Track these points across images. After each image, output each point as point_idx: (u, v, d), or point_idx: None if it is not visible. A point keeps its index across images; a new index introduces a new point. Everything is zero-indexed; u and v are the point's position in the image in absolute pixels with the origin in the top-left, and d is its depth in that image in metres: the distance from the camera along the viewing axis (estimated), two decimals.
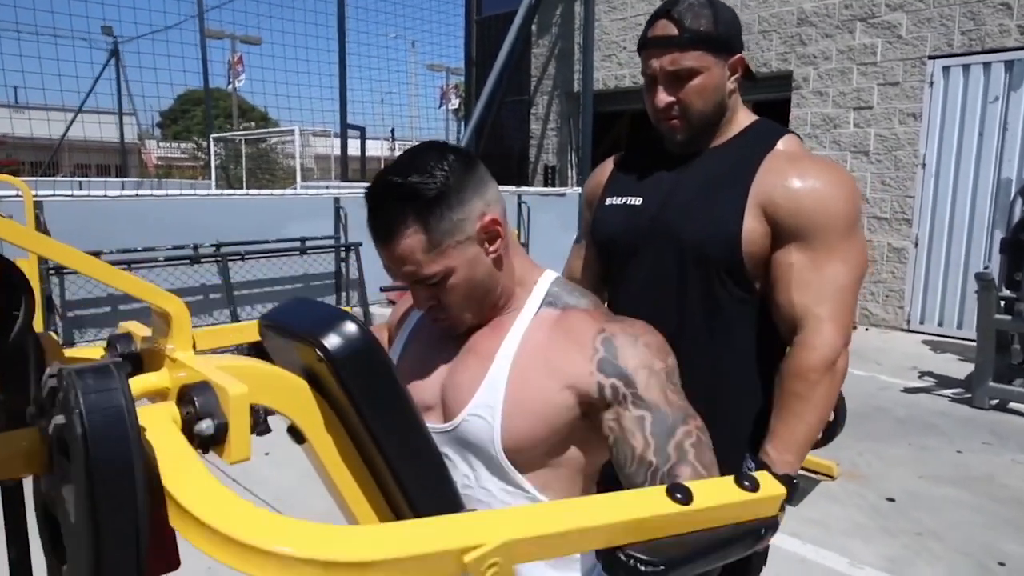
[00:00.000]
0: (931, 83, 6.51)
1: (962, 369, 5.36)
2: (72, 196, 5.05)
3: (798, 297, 1.24)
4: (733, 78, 1.34)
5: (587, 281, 1.55)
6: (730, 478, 0.75)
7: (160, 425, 0.68)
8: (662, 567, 0.67)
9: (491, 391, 0.96)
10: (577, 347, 0.95)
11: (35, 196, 4.67)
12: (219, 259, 5.67)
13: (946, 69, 6.45)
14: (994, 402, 4.54)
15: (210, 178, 15.79)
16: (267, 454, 3.13)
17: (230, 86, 23.59)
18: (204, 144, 18.06)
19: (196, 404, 0.70)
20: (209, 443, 0.70)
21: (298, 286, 6.34)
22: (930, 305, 6.71)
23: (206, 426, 0.69)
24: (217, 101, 27.63)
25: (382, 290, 6.11)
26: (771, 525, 0.77)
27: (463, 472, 1.02)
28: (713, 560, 0.73)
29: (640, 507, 0.68)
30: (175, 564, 0.74)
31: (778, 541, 1.70)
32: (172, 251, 5.37)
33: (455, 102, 23.32)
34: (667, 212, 1.34)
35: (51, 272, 4.85)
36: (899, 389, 4.97)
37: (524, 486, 0.99)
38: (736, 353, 1.34)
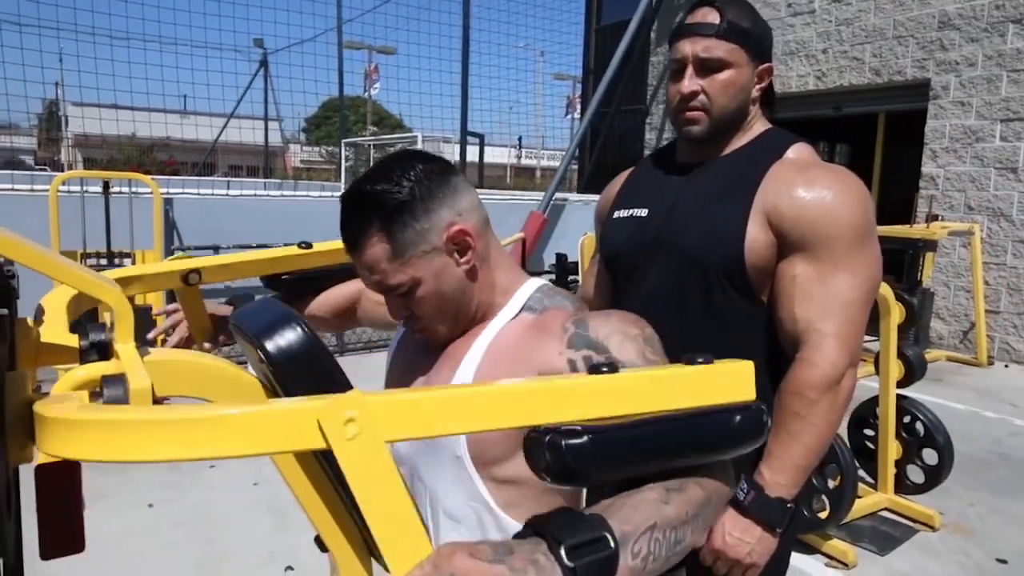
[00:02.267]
0: None
1: None
2: (198, 194, 5.48)
3: (801, 311, 1.18)
4: (759, 86, 1.31)
5: (600, 297, 1.52)
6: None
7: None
8: (582, 432, 0.57)
9: None
10: (547, 335, 0.92)
11: (165, 193, 5.12)
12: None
13: None
14: None
15: (341, 181, 16.69)
16: None
17: (366, 94, 24.87)
18: (338, 149, 19.15)
19: (104, 395, 0.73)
20: None
21: None
22: None
23: None
24: (356, 108, 29.24)
25: None
26: (748, 409, 0.69)
27: (431, 486, 1.01)
28: (665, 446, 0.64)
29: (556, 385, 0.60)
30: (80, 547, 0.76)
31: None
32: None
33: (579, 111, 23.32)
34: (671, 223, 1.31)
35: None
36: None
37: (489, 502, 0.96)
38: None
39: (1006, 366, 6.22)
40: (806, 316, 1.17)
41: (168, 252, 5.17)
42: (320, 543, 0.94)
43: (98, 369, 0.86)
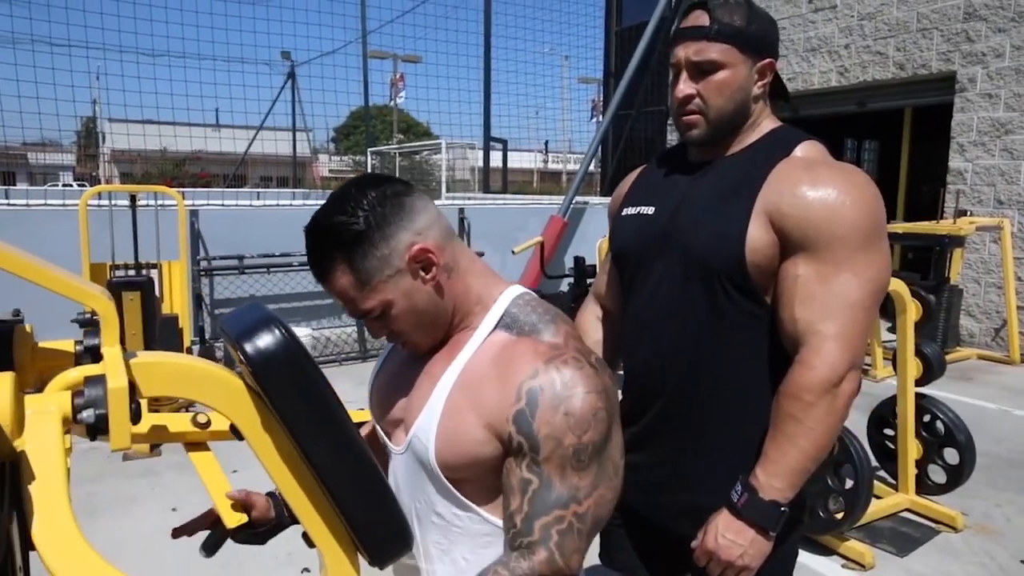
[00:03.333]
0: None
1: None
2: (222, 206, 5.61)
3: (801, 312, 1.15)
4: (760, 83, 1.28)
5: (611, 295, 1.51)
6: None
7: (39, 426, 0.75)
8: None
9: (429, 416, 0.98)
10: (505, 388, 0.93)
11: (190, 205, 5.25)
12: None
13: None
14: None
15: None
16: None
17: (392, 102, 25.12)
18: (364, 158, 19.37)
19: (85, 395, 0.77)
20: (94, 430, 0.77)
21: None
22: None
23: (87, 415, 0.76)
24: (384, 116, 29.52)
25: None
26: None
27: (419, 494, 1.04)
28: None
29: None
30: None
31: None
32: (305, 257, 5.80)
33: None
34: (676, 221, 1.29)
35: (202, 273, 5.42)
36: None
37: (475, 508, 0.99)
38: (744, 369, 1.25)
39: None
40: (807, 317, 1.15)
41: (194, 263, 5.30)
42: (307, 539, 0.97)
43: (84, 371, 0.91)
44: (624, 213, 1.42)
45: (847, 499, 2.72)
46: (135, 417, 0.80)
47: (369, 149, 16.65)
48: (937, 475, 3.18)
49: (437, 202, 9.36)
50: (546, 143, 30.79)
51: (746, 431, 1.24)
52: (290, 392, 0.88)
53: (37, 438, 0.74)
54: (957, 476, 3.10)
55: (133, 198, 4.74)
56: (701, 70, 1.25)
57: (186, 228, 5.02)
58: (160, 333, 4.12)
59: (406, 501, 1.05)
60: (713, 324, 1.25)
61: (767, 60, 1.27)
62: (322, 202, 1.08)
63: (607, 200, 8.32)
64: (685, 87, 1.26)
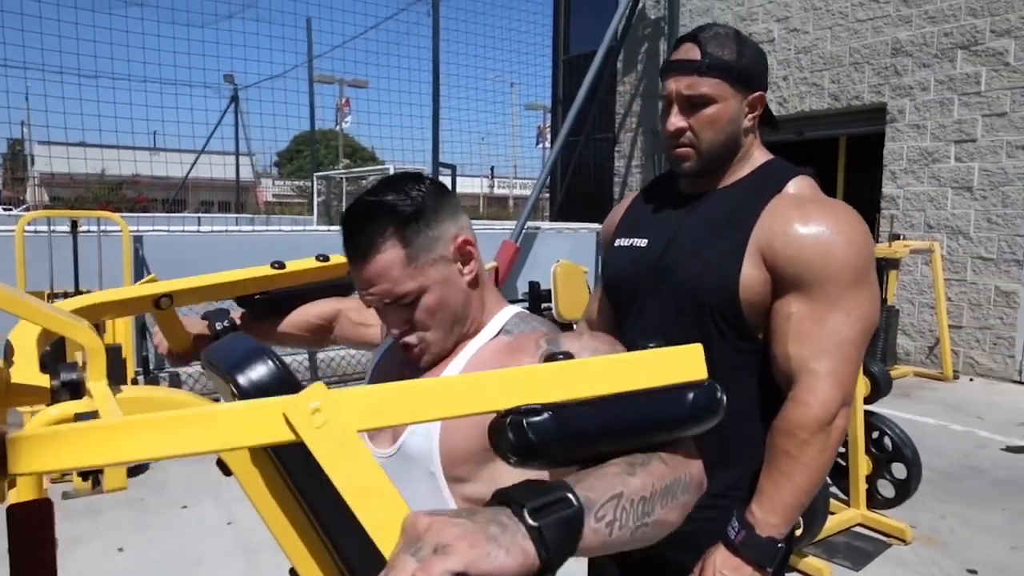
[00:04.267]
0: None
1: None
2: (168, 231, 5.45)
3: (795, 350, 1.16)
4: (750, 116, 1.29)
5: (602, 325, 1.52)
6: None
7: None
8: (542, 410, 0.58)
9: None
10: (521, 353, 0.94)
11: (134, 231, 5.08)
12: None
13: None
14: None
15: (313, 215, 16.65)
16: None
17: (338, 127, 24.95)
18: (309, 183, 19.15)
19: None
20: (87, 472, 0.73)
21: None
22: None
23: None
24: (329, 141, 29.28)
25: None
26: (701, 387, 0.72)
27: (410, 499, 1.02)
28: (623, 421, 0.65)
29: (514, 372, 0.61)
30: None
31: None
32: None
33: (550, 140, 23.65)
34: (669, 255, 1.30)
35: None
36: (1000, 447, 4.51)
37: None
38: (737, 406, 1.23)
39: (971, 380, 6.37)
40: (800, 355, 1.16)
41: None
42: (221, 465, 0.93)
43: (71, 408, 0.87)
44: (617, 244, 1.43)
45: (805, 516, 2.79)
46: None
47: (316, 174, 16.46)
48: (886, 489, 3.30)
49: None
50: (492, 169, 31.05)
51: (735, 462, 1.26)
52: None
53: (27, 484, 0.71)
54: (905, 490, 3.22)
55: (74, 223, 4.57)
56: (692, 103, 1.26)
57: (130, 255, 4.85)
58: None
59: None
60: (706, 356, 1.24)
61: (757, 93, 1.29)
62: (268, 228, 1.08)
63: (558, 225, 8.42)
64: (676, 120, 1.27)
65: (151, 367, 4.93)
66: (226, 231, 5.93)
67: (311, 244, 6.30)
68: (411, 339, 1.01)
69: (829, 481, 3.31)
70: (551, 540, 0.50)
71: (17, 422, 0.78)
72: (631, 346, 1.38)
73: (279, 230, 6.35)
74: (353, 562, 0.90)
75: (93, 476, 0.76)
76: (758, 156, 1.33)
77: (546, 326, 1.04)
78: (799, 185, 1.26)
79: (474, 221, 12.46)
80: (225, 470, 0.94)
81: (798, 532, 2.80)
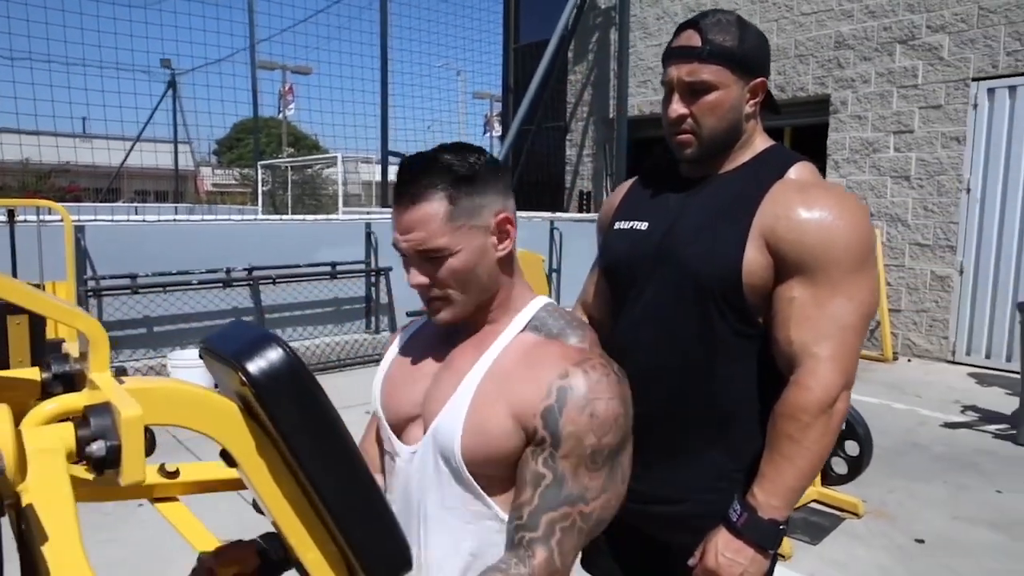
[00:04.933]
0: (975, 106, 6.30)
1: (1009, 404, 5.09)
2: (112, 221, 5.24)
3: (796, 334, 1.17)
4: (752, 102, 1.29)
5: (598, 308, 1.51)
6: None
7: (45, 467, 0.68)
8: None
9: (457, 408, 0.99)
10: (536, 384, 0.96)
11: (76, 221, 4.87)
12: (251, 283, 5.80)
13: (991, 91, 6.24)
14: None
15: (257, 204, 16.24)
16: None
17: (281, 115, 24.34)
18: (253, 171, 18.65)
19: (92, 425, 0.71)
20: (102, 464, 0.70)
21: (328, 310, 6.43)
22: (977, 336, 6.42)
23: (97, 448, 0.70)
24: (270, 129, 28.51)
25: (408, 315, 6.14)
26: None
27: (430, 490, 1.04)
28: None
29: None
30: None
31: None
32: (205, 275, 5.51)
33: (498, 129, 23.60)
34: (670, 239, 1.29)
35: (90, 294, 5.03)
36: (939, 424, 4.74)
37: (491, 504, 1.01)
38: (736, 389, 1.27)
39: (909, 360, 6.67)
40: (802, 339, 1.16)
41: (81, 283, 4.91)
42: (226, 457, 0.92)
43: (71, 401, 0.84)
44: (616, 227, 1.41)
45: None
46: (150, 447, 0.75)
47: (260, 162, 16.04)
48: (839, 467, 3.43)
49: (335, 217, 9.14)
50: None
51: (733, 445, 1.27)
52: (295, 410, 0.85)
53: (45, 484, 0.68)
54: (857, 467, 3.35)
55: (11, 213, 4.35)
56: (693, 90, 1.25)
57: (72, 245, 4.64)
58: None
59: (415, 498, 1.04)
60: (704, 341, 1.26)
61: (759, 79, 1.28)
62: (218, 217, 1.06)
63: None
64: (678, 107, 1.27)
65: None
66: (174, 221, 5.73)
67: (260, 234, 6.15)
68: (434, 292, 1.02)
69: (867, 423, 3.41)
70: None
71: None
72: (627, 330, 1.39)
73: (229, 219, 6.17)
74: (362, 549, 0.89)
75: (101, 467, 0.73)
76: (759, 142, 1.33)
77: (572, 328, 1.04)
78: (800, 171, 1.27)
79: None
80: (230, 462, 0.92)
81: None
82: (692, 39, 1.25)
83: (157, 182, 26.18)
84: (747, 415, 1.27)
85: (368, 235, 6.63)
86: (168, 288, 5.31)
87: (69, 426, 0.73)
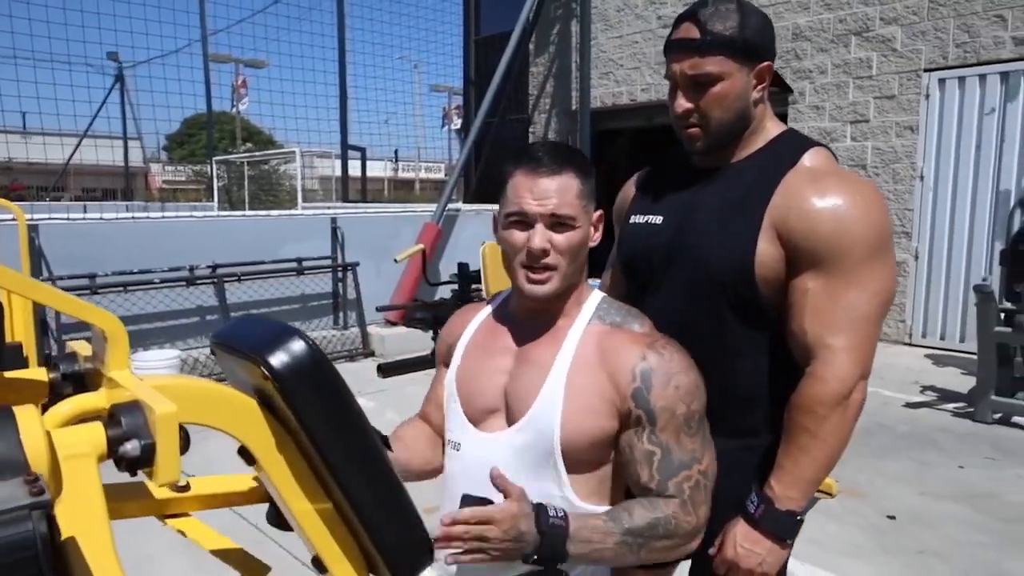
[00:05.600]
0: (927, 96, 6.51)
1: (965, 383, 5.29)
2: (68, 219, 5.06)
3: (811, 326, 1.17)
4: (759, 87, 1.26)
5: (616, 295, 1.48)
6: None
7: (78, 474, 0.66)
8: None
9: (551, 398, 1.08)
10: (620, 371, 1.08)
11: (30, 220, 4.69)
12: (215, 280, 5.67)
13: (942, 82, 6.44)
14: (997, 416, 4.47)
15: (213, 200, 15.87)
16: None
17: (234, 109, 23.80)
18: (207, 167, 18.21)
19: (123, 424, 0.68)
20: (136, 464, 0.68)
21: (295, 307, 6.33)
22: (932, 319, 6.65)
23: (131, 447, 0.68)
24: (223, 124, 27.85)
25: (378, 309, 6.09)
26: None
27: (516, 473, 1.08)
28: None
29: None
30: None
31: None
32: (168, 273, 5.37)
33: (457, 122, 23.50)
34: (684, 232, 1.29)
35: None
36: (901, 404, 4.91)
37: (565, 486, 1.10)
38: (751, 381, 1.28)
39: None
40: (817, 331, 1.16)
41: None
42: (318, 564, 0.92)
43: (88, 401, 0.81)
44: (632, 221, 1.41)
45: None
46: (184, 445, 0.72)
47: (215, 158, 15.66)
48: None
49: (299, 213, 9.00)
50: (396, 152, 30.54)
51: (748, 436, 1.28)
52: (319, 403, 0.84)
53: (79, 495, 0.65)
54: None
55: None
56: (697, 83, 1.23)
57: (27, 245, 4.47)
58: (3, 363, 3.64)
59: (488, 485, 1.06)
60: (719, 334, 1.26)
61: (764, 63, 1.24)
62: (179, 214, 1.07)
63: (477, 207, 8.41)
64: (683, 102, 1.26)
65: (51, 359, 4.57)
66: (133, 218, 5.56)
67: (223, 230, 6.01)
68: (549, 260, 1.10)
69: None
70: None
71: None
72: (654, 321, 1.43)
73: (192, 216, 6.02)
74: (361, 501, 0.87)
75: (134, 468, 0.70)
76: (771, 128, 1.31)
77: (633, 316, 1.16)
78: (815, 158, 1.25)
79: (395, 204, 12.29)
80: (248, 459, 0.90)
81: None
82: (691, 31, 1.23)
83: (105, 179, 25.36)
84: (762, 407, 1.28)
85: (334, 230, 6.54)
86: (129, 288, 5.16)
87: (98, 426, 0.71)
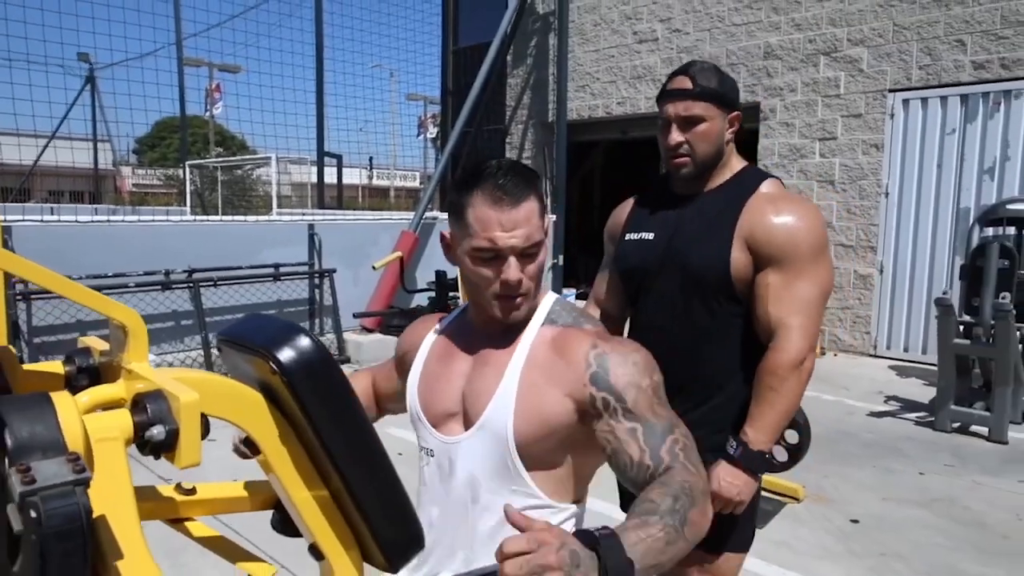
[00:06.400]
0: (891, 115, 6.73)
1: (926, 393, 5.47)
2: (42, 221, 5.01)
3: (773, 310, 1.54)
4: (731, 131, 1.64)
5: (613, 303, 1.86)
6: None
7: (109, 456, 0.70)
8: None
9: (504, 398, 1.10)
10: (574, 360, 1.10)
11: (3, 221, 4.62)
12: (191, 285, 5.64)
13: (905, 102, 6.67)
14: (956, 425, 4.64)
15: (185, 205, 15.68)
16: None
17: (207, 113, 23.54)
18: (179, 171, 18.00)
19: (148, 411, 0.73)
20: (160, 448, 0.73)
21: (271, 312, 6.31)
22: (896, 331, 6.85)
23: (157, 432, 0.72)
24: (195, 128, 27.51)
25: (355, 316, 6.10)
26: None
27: (478, 478, 1.12)
28: None
29: None
30: None
31: (744, 563, 1.78)
32: (143, 277, 5.33)
33: (432, 131, 23.51)
34: (674, 245, 1.65)
35: (18, 298, 4.79)
36: (865, 413, 5.06)
37: (529, 485, 1.12)
38: (730, 356, 1.62)
39: (835, 355, 7.05)
40: (777, 314, 1.53)
41: (9, 286, 4.68)
42: (315, 551, 0.97)
43: (106, 392, 0.85)
44: (628, 237, 1.76)
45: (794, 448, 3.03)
46: (205, 431, 0.77)
47: (188, 162, 15.48)
48: (779, 454, 3.62)
49: (276, 218, 8.96)
50: (371, 159, 30.46)
51: (732, 402, 1.60)
52: (325, 397, 0.89)
53: (110, 475, 0.70)
54: (798, 454, 3.54)
55: None
56: (688, 122, 1.59)
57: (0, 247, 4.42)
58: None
59: (459, 488, 1.12)
60: (708, 323, 1.62)
61: (735, 113, 1.64)
62: (155, 218, 1.10)
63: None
64: (676, 136, 1.61)
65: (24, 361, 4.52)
66: (108, 221, 5.51)
67: (199, 235, 5.98)
68: (523, 288, 1.11)
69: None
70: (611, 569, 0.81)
71: None
72: (646, 320, 1.73)
73: (167, 219, 5.98)
74: (362, 493, 0.92)
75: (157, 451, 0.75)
76: (735, 163, 1.68)
77: (585, 319, 1.20)
78: (770, 186, 1.63)
79: (372, 212, 12.12)
80: (253, 450, 0.95)
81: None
82: (684, 83, 1.60)
83: (73, 181, 24.87)
84: (735, 377, 1.62)
85: (311, 236, 6.54)
86: (104, 291, 5.10)
87: (125, 412, 0.75)
